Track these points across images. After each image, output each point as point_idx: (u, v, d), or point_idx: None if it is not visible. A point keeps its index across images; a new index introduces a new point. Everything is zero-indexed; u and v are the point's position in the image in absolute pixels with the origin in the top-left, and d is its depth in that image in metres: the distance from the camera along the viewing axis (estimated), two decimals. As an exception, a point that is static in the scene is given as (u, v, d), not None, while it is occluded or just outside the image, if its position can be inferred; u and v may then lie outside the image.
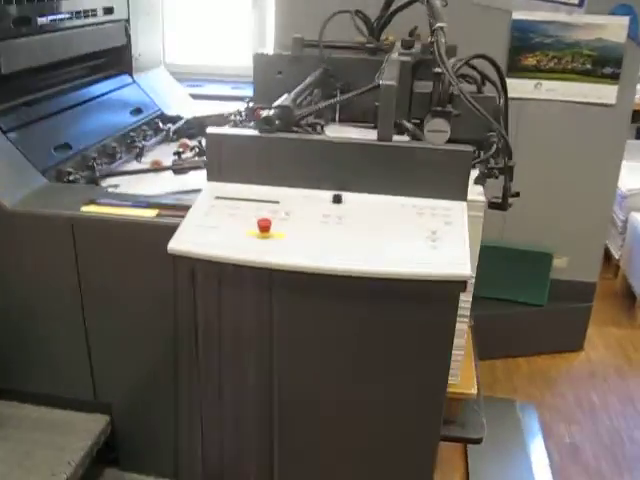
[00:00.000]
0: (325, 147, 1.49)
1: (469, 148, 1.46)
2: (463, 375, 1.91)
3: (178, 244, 1.36)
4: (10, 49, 1.72)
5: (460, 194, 1.48)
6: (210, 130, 1.53)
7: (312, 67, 2.22)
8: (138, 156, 1.98)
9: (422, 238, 1.36)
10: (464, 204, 1.47)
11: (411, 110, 1.87)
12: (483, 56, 1.83)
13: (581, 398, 2.60)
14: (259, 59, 2.36)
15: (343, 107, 2.23)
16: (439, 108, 1.74)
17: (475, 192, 1.66)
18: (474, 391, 1.86)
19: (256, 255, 1.32)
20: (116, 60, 2.41)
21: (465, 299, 1.75)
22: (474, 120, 1.76)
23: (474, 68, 1.88)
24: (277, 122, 1.53)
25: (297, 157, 1.51)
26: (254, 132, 1.52)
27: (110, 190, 1.77)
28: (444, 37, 1.70)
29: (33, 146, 1.76)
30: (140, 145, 2.00)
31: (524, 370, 2.78)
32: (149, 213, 1.55)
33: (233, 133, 1.52)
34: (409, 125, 1.79)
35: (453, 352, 1.81)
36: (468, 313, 1.79)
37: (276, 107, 1.60)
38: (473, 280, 1.72)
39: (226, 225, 1.41)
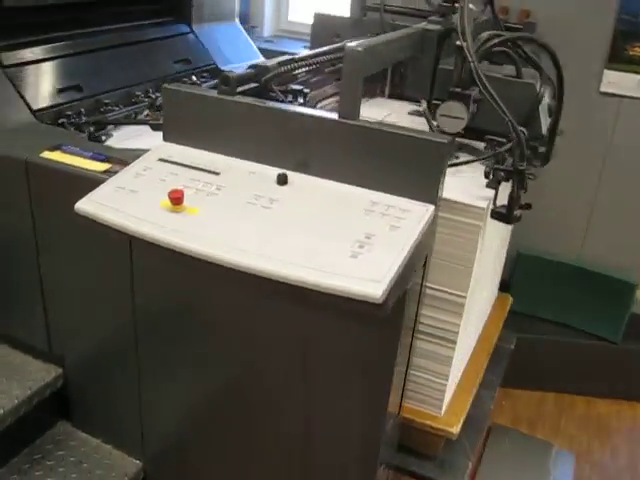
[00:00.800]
0: (278, 117, 1.28)
1: (444, 139, 1.17)
2: (453, 409, 1.64)
3: (85, 204, 1.24)
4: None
5: (427, 195, 1.20)
6: (166, 85, 1.38)
7: (373, 32, 1.99)
8: (150, 107, 1.88)
9: (351, 241, 1.11)
10: (430, 208, 1.19)
11: (434, 88, 1.59)
12: (530, 38, 1.50)
13: (637, 459, 2.17)
14: (319, 20, 2.17)
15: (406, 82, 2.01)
16: (458, 89, 1.46)
17: (476, 196, 1.38)
18: (455, 430, 1.58)
19: (150, 229, 1.16)
20: (173, 7, 2.32)
21: (452, 321, 1.48)
22: (509, 108, 1.47)
23: (520, 48, 1.54)
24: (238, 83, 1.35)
25: (249, 126, 1.31)
26: (210, 92, 1.35)
27: (104, 139, 1.70)
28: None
29: (34, 84, 1.72)
30: (153, 97, 1.90)
31: (579, 411, 2.37)
32: (100, 167, 1.44)
33: (188, 91, 1.36)
34: (424, 105, 1.53)
35: (434, 379, 1.56)
36: (455, 338, 1.50)
37: (250, 67, 1.42)
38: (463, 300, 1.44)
39: (148, 191, 1.26)
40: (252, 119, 1.31)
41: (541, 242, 2.41)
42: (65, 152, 1.51)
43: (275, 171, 1.28)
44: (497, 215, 1.38)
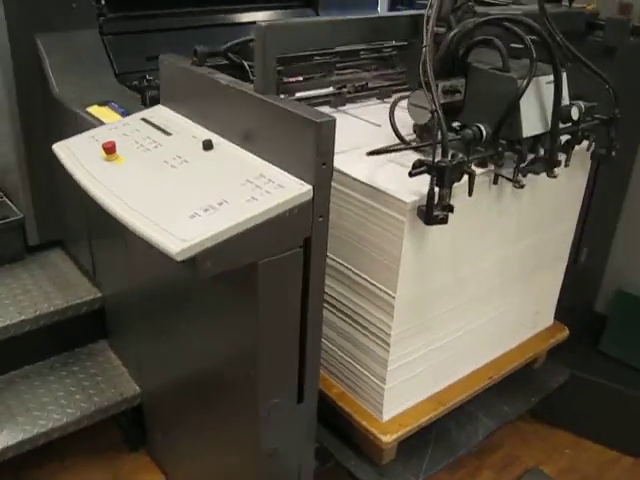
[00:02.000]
0: (217, 89, 1.35)
1: (322, 118, 1.13)
2: (402, 419, 1.55)
3: (58, 146, 1.47)
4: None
5: (306, 174, 1.18)
6: (162, 56, 1.54)
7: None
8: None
9: (203, 204, 1.16)
10: (306, 187, 1.17)
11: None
12: (507, 19, 1.34)
13: None
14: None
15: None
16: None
17: (415, 190, 1.28)
18: (387, 439, 1.51)
19: (79, 171, 1.34)
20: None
21: (384, 320, 1.41)
22: (492, 103, 1.35)
23: (516, 35, 1.37)
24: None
25: (205, 95, 1.41)
26: (185, 64, 1.47)
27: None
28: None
29: (125, 51, 2.02)
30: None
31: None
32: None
33: (172, 62, 1.49)
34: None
35: (373, 379, 1.50)
36: (388, 339, 1.42)
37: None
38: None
39: (103, 141, 1.44)
40: (206, 89, 1.40)
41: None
42: (109, 108, 1.78)
43: (217, 139, 1.36)
44: (420, 213, 1.26)
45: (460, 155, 1.27)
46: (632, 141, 1.96)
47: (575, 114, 1.41)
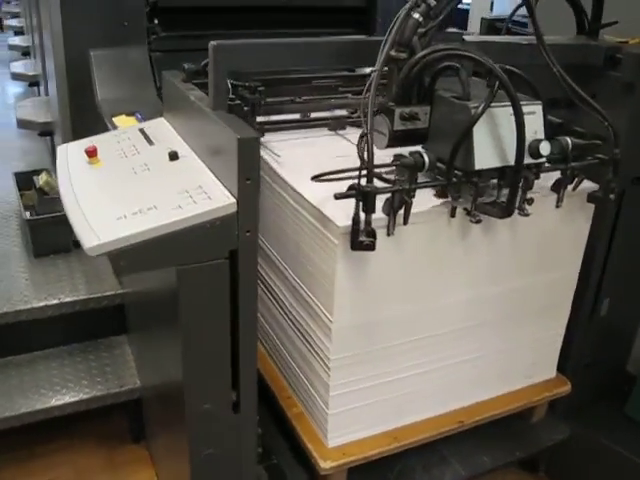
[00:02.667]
0: (186, 103, 1.44)
1: (246, 134, 1.17)
2: (350, 448, 1.53)
3: (62, 147, 1.61)
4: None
5: (233, 187, 1.22)
6: (164, 72, 1.65)
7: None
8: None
9: (136, 208, 1.23)
10: (230, 200, 1.21)
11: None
12: (463, 56, 1.29)
13: None
14: (485, 25, 2.18)
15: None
16: (391, 103, 1.37)
17: (347, 212, 1.28)
18: (325, 466, 1.50)
19: (61, 169, 1.47)
20: (358, 20, 2.48)
21: (324, 341, 1.41)
22: (452, 132, 1.32)
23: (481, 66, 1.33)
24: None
25: (180, 108, 1.51)
26: (176, 80, 1.56)
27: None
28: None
29: (170, 68, 2.15)
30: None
31: None
32: (133, 127, 1.80)
33: (167, 77, 1.60)
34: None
35: (319, 401, 1.51)
36: (328, 363, 1.41)
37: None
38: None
39: (98, 147, 1.56)
40: (183, 104, 1.49)
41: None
42: (135, 118, 1.92)
43: (187, 151, 1.44)
44: (350, 237, 1.25)
45: (399, 182, 1.25)
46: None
47: (545, 150, 1.32)
